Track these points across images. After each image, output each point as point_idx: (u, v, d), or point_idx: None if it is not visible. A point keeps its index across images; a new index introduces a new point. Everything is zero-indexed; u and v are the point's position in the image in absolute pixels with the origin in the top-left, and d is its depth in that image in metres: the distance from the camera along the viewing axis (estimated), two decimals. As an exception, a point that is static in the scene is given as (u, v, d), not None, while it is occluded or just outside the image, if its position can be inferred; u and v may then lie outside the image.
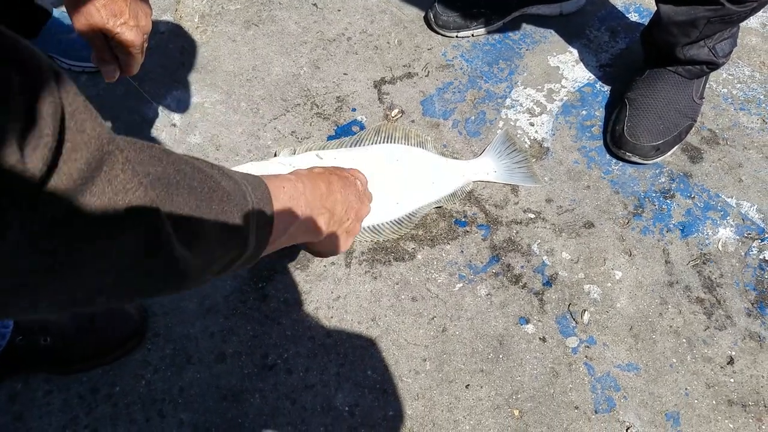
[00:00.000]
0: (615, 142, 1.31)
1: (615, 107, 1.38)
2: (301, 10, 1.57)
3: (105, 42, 0.76)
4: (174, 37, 1.49)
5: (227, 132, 1.34)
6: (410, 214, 1.19)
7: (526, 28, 1.55)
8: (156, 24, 1.51)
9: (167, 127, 1.33)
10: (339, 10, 1.57)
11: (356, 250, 1.16)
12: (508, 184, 1.27)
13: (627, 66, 1.47)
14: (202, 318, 1.07)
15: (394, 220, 1.17)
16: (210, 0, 1.57)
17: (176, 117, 1.36)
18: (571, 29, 1.56)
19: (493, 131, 1.37)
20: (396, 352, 1.05)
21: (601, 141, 1.35)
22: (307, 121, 1.37)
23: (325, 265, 1.14)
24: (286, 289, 1.11)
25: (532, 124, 1.38)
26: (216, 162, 1.27)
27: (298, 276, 1.13)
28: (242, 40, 1.50)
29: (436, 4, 1.55)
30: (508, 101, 1.43)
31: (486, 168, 1.27)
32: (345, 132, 1.35)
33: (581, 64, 1.50)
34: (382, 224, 1.17)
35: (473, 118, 1.39)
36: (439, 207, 1.22)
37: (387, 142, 1.29)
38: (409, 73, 1.47)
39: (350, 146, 1.28)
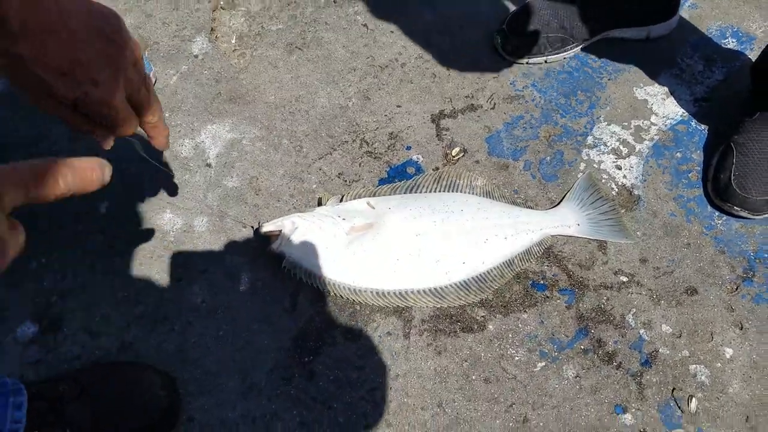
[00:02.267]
0: (720, 193, 1.19)
1: (717, 151, 1.25)
2: (350, 32, 1.49)
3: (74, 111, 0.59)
4: (210, 62, 1.43)
5: (267, 174, 1.26)
6: (479, 277, 1.08)
7: (608, 54, 1.45)
8: (189, 45, 1.45)
9: (201, 168, 1.26)
10: (392, 32, 1.49)
11: (415, 317, 1.06)
12: (593, 240, 1.16)
13: (725, 101, 1.36)
14: (243, 399, 0.98)
15: (460, 284, 1.07)
16: (249, 19, 1.51)
17: (212, 156, 1.28)
18: (659, 56, 1.45)
19: (573, 175, 1.26)
20: (467, 448, 0.94)
21: (701, 190, 1.23)
22: (356, 161, 1.28)
23: (380, 336, 1.04)
24: (336, 364, 1.01)
25: (619, 168, 1.27)
26: (255, 208, 1.18)
27: (349, 349, 1.03)
28: (285, 67, 1.43)
29: (504, 26, 1.46)
30: (589, 139, 1.32)
31: (567, 220, 1.16)
32: (399, 174, 1.26)
33: (672, 97, 1.39)
34: (447, 287, 1.07)
35: (549, 158, 1.28)
36: (513, 270, 1.12)
37: (449, 190, 1.19)
38: (472, 105, 1.38)
39: (404, 191, 1.19)
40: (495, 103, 1.36)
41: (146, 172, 1.23)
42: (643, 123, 1.33)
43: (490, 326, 1.04)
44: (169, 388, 0.91)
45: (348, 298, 1.04)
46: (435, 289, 1.06)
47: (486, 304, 1.07)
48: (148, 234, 1.17)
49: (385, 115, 1.34)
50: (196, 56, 1.44)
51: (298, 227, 1.06)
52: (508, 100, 1.37)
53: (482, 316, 1.05)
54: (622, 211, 1.19)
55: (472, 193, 1.18)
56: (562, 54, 1.44)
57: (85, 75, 0.55)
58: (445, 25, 1.50)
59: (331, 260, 1.06)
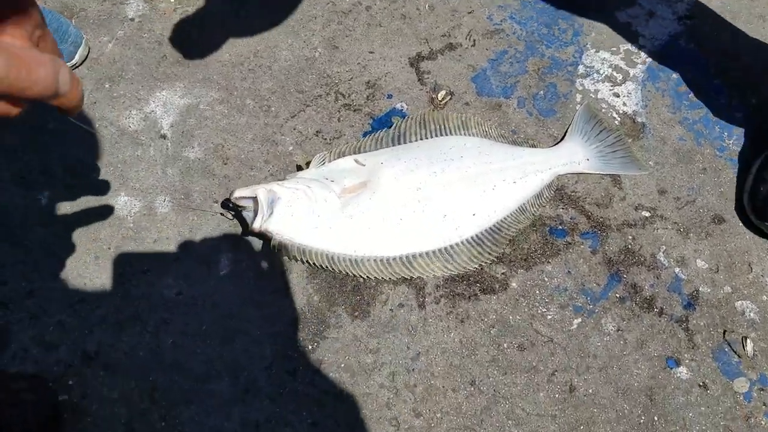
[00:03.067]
0: (759, 211, 0.90)
1: (760, 156, 0.95)
2: (304, -22, 1.23)
3: None
4: (149, 24, 1.15)
5: (234, 140, 1.00)
6: (493, 228, 0.87)
7: None
8: (123, 9, 1.16)
9: (155, 141, 1.00)
10: None
11: (428, 284, 0.84)
12: (606, 175, 0.96)
13: (713, 16, 1.17)
14: (240, 403, 0.75)
15: (474, 239, 0.86)
16: None
17: (165, 125, 1.02)
18: None
19: (571, 108, 1.05)
20: (515, 429, 0.74)
21: (704, 110, 1.05)
22: (334, 116, 1.04)
23: (391, 309, 0.83)
24: (345, 349, 0.79)
25: (616, 95, 1.07)
26: (225, 180, 0.93)
27: (358, 328, 0.81)
28: (235, 22, 1.16)
29: None
30: (581, 69, 1.11)
31: (575, 156, 0.96)
32: (383, 125, 1.03)
33: (656, 18, 1.19)
34: (459, 245, 0.85)
35: (542, 93, 1.07)
36: (527, 216, 0.91)
37: (439, 134, 0.97)
38: (451, 44, 1.15)
39: (390, 142, 0.96)
40: (475, 40, 1.14)
41: (92, 150, 0.96)
42: (632, 47, 1.13)
43: (513, 283, 0.84)
44: (41, 389, 0.68)
45: (350, 272, 0.81)
46: (447, 248, 0.85)
47: (504, 259, 0.86)
48: (101, 222, 0.91)
49: (358, 63, 1.10)
50: (132, 19, 1.16)
51: (280, 197, 0.82)
52: (487, 35, 1.14)
53: (502, 273, 0.85)
54: (629, 140, 1.00)
55: (467, 134, 0.96)
56: (535, -18, 1.21)
57: None
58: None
59: (327, 229, 0.83)
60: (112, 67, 1.11)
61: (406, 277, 0.84)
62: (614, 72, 1.12)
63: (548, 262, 0.88)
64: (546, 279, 0.87)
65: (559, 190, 0.96)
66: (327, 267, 0.84)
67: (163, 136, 1.02)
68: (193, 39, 1.13)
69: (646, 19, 1.19)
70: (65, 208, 0.93)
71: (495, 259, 0.88)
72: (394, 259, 0.85)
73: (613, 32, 1.17)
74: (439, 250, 0.86)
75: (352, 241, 0.85)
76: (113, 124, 1.03)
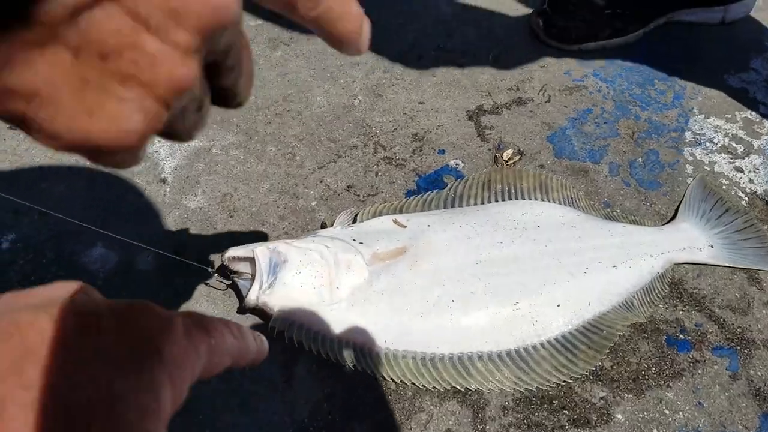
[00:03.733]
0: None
1: None
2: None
3: None
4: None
5: (246, 189, 0.78)
6: (586, 328, 0.60)
7: (678, 38, 1.03)
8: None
9: (153, 185, 0.78)
10: (400, 24, 1.05)
11: (491, 402, 0.56)
12: (737, 269, 0.68)
13: None
14: None
15: (558, 341, 0.58)
16: None
17: (168, 168, 0.80)
18: (741, 41, 1.03)
19: (680, 181, 0.80)
20: None
21: None
22: (371, 169, 0.81)
23: None
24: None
25: (739, 170, 0.81)
26: (229, 236, 0.68)
27: None
28: (267, 63, 0.98)
29: (546, 5, 1.03)
30: (688, 136, 0.87)
31: (695, 240, 0.69)
32: (432, 185, 0.79)
33: None
34: (535, 348, 0.58)
35: (641, 160, 0.82)
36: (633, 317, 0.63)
37: (508, 197, 0.72)
38: (520, 98, 0.93)
39: (443, 204, 0.71)
40: (550, 96, 0.92)
41: (74, 186, 0.75)
42: (751, 115, 0.89)
43: (618, 414, 0.55)
44: None
45: (377, 374, 0.55)
46: (520, 351, 0.57)
47: (602, 376, 0.58)
48: (67, 277, 0.66)
49: (405, 114, 0.88)
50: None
51: (286, 260, 0.57)
52: (566, 91, 0.92)
53: (602, 398, 0.56)
54: (764, 227, 0.72)
55: (549, 200, 0.71)
56: (622, 39, 1.01)
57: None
58: (467, 14, 1.07)
59: (348, 308, 0.57)
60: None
61: (459, 388, 0.57)
62: (732, 142, 0.87)
63: (668, 386, 0.60)
64: (667, 412, 0.58)
65: (676, 285, 0.68)
66: (345, 363, 0.57)
67: (163, 180, 0.80)
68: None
69: (766, 86, 0.96)
70: (28, 253, 0.70)
71: (590, 375, 0.60)
72: (443, 358, 0.58)
73: (725, 97, 0.94)
74: (509, 352, 0.59)
75: (383, 328, 0.58)
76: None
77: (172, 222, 0.73)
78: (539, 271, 0.63)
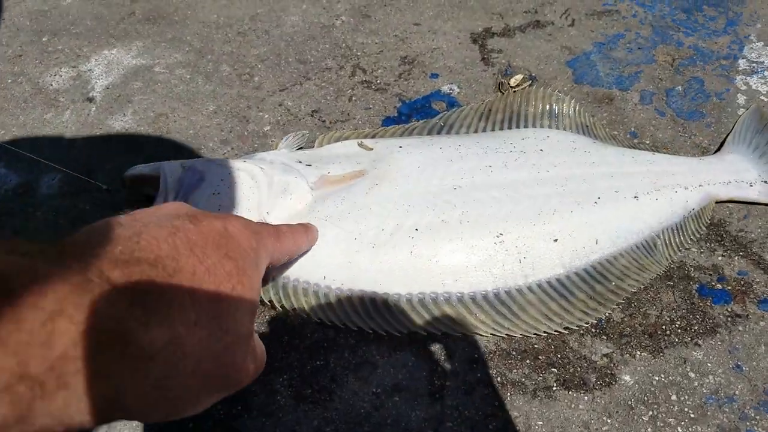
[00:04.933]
0: None
1: None
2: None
3: None
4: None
5: (186, 110, 0.71)
6: (591, 271, 0.50)
7: None
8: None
9: (76, 103, 0.72)
10: None
11: (457, 353, 0.47)
12: None
13: None
14: None
15: (552, 285, 0.49)
16: None
17: (98, 87, 0.74)
18: None
19: (729, 112, 0.70)
20: None
21: None
22: (344, 93, 0.73)
23: (377, 393, 0.45)
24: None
25: None
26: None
27: (306, 419, 0.44)
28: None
29: None
30: (742, 63, 0.77)
31: (745, 174, 0.59)
32: (418, 111, 0.70)
33: None
34: (521, 291, 0.49)
35: (681, 88, 0.72)
36: (657, 256, 0.54)
37: (509, 125, 0.63)
38: (537, 21, 0.84)
39: (428, 133, 0.62)
40: (574, 20, 0.83)
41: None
42: (824, 42, 0.78)
43: (626, 376, 0.45)
44: None
45: (314, 316, 0.47)
46: (502, 293, 0.47)
47: (608, 329, 0.49)
48: None
49: (395, 36, 0.81)
50: None
51: (204, 179, 0.50)
52: (594, 16, 0.83)
53: (605, 356, 0.47)
54: None
55: (557, 129, 0.61)
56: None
57: None
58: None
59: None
60: (61, 21, 0.87)
61: (420, 334, 0.48)
62: (799, 70, 0.76)
63: (696, 344, 0.49)
64: (692, 375, 0.48)
65: (717, 227, 0.58)
66: (273, 302, 0.49)
67: (90, 99, 0.74)
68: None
69: (844, 13, 0.84)
70: None
71: (591, 327, 0.50)
72: (398, 299, 0.49)
73: (791, 23, 0.83)
74: (486, 294, 0.50)
75: (321, 261, 0.50)
76: (31, 80, 0.76)
77: (90, 143, 0.66)
78: (535, 199, 0.54)
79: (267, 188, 0.52)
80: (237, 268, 0.33)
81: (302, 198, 0.53)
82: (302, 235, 0.47)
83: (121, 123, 0.70)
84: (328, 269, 0.49)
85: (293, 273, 0.49)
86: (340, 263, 0.50)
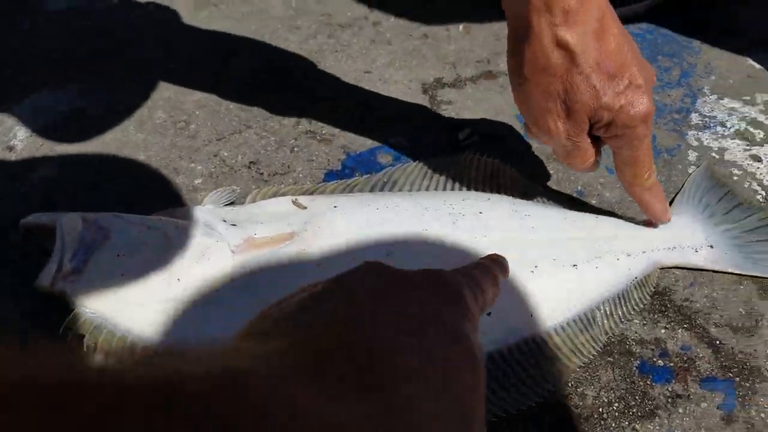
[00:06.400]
0: None
1: None
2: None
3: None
4: (70, 15, 0.90)
5: (113, 161, 0.67)
6: (524, 349, 0.47)
7: (691, 14, 0.92)
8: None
9: None
10: None
11: None
12: (745, 277, 0.55)
13: None
14: None
15: (486, 364, 0.45)
16: None
17: (22, 134, 0.70)
18: (765, 20, 0.92)
19: (679, 169, 0.68)
20: None
21: None
22: (286, 143, 0.70)
23: None
24: None
25: (757, 159, 0.70)
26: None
27: None
28: (187, 23, 0.89)
29: None
30: (694, 117, 0.75)
31: (691, 238, 0.57)
32: (363, 165, 0.68)
33: None
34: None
35: None
36: (593, 330, 0.51)
37: (451, 187, 0.61)
38: (489, 72, 0.82)
39: (371, 190, 0.60)
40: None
41: None
42: (776, 97, 0.77)
43: None
44: None
45: None
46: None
47: (539, 411, 0.45)
48: None
49: (345, 84, 0.78)
50: (48, 12, 0.90)
51: (110, 237, 0.46)
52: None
53: None
54: None
55: (500, 193, 0.59)
56: (621, 11, 0.90)
57: (634, 80, 0.46)
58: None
59: (188, 308, 0.44)
60: (25, 53, 0.83)
61: None
62: (750, 127, 0.75)
63: (634, 429, 0.46)
64: None
65: (661, 295, 0.56)
66: None
67: (10, 148, 0.70)
68: (124, 34, 0.85)
69: (795, 67, 0.84)
70: None
71: (528, 411, 0.47)
72: None
73: (744, 78, 0.83)
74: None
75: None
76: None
77: (5, 202, 0.62)
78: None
79: (180, 251, 0.48)
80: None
81: (220, 264, 0.49)
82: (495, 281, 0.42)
83: (40, 174, 0.66)
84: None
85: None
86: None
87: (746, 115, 0.76)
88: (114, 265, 0.46)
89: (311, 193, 0.61)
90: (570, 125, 0.48)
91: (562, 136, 0.49)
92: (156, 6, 0.91)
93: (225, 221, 0.53)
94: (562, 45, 0.44)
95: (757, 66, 0.84)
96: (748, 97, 0.79)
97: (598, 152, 0.52)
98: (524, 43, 0.46)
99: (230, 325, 0.45)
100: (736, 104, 0.78)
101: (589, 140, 0.50)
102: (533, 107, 0.49)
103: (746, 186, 0.67)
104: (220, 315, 0.47)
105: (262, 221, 0.54)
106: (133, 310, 0.46)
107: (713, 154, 0.70)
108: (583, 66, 0.45)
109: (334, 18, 0.92)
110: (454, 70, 0.83)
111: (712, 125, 0.74)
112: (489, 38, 0.87)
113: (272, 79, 0.79)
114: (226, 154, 0.68)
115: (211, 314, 0.47)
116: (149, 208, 0.60)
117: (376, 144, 0.72)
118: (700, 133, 0.73)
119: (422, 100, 0.78)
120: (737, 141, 0.72)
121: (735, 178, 0.68)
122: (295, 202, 0.58)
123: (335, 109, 0.75)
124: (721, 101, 0.78)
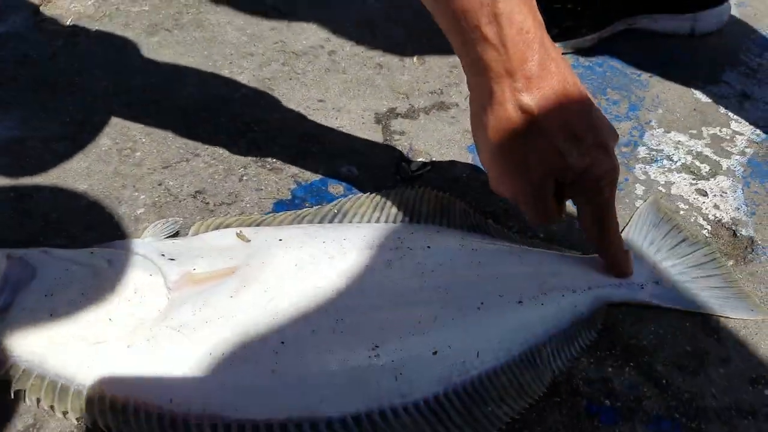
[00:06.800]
0: None
1: None
2: (250, 15, 0.96)
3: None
4: (16, 42, 0.86)
5: (54, 190, 0.64)
6: (471, 388, 0.46)
7: (640, 47, 0.94)
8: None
9: None
10: (316, 18, 0.96)
11: None
12: (690, 314, 0.56)
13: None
14: None
15: (429, 406, 0.45)
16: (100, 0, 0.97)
17: None
18: (713, 53, 0.95)
19: (626, 203, 0.69)
20: None
21: None
22: (234, 172, 0.68)
23: None
24: None
25: (703, 193, 0.70)
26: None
27: None
28: (137, 49, 0.86)
29: None
30: (642, 151, 0.76)
31: (636, 275, 0.57)
32: (313, 195, 0.66)
33: (753, 100, 0.86)
34: (397, 413, 0.44)
35: None
36: (540, 369, 0.50)
37: (400, 220, 0.59)
38: (442, 103, 0.82)
39: (319, 221, 0.58)
40: (478, 101, 0.80)
41: None
42: (722, 131, 0.79)
43: None
44: None
45: None
46: (374, 416, 0.43)
47: None
48: None
49: (297, 112, 0.77)
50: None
51: (36, 275, 0.43)
52: (498, 97, 0.81)
53: None
54: (729, 263, 0.60)
55: (447, 227, 0.58)
56: (572, 43, 0.92)
57: (598, 140, 0.47)
58: (398, 13, 0.98)
59: (123, 350, 0.42)
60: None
61: None
62: (696, 161, 0.76)
63: None
64: None
65: (608, 333, 0.55)
66: (112, 429, 0.42)
67: (-56, 175, 0.66)
68: (67, 65, 0.83)
69: (739, 102, 0.86)
70: None
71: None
72: (258, 428, 0.43)
73: (690, 111, 0.84)
74: (359, 417, 0.44)
75: (170, 382, 0.44)
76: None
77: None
78: (416, 305, 0.50)
79: (111, 289, 0.46)
80: None
81: (156, 301, 0.47)
82: None
83: (-23, 203, 0.62)
84: (175, 392, 0.43)
85: (133, 392, 0.43)
86: (191, 384, 0.43)
87: (692, 148, 0.77)
88: (41, 305, 0.44)
89: (258, 224, 0.59)
90: (535, 187, 0.48)
91: (528, 196, 0.49)
92: (105, 33, 0.88)
93: (163, 255, 0.50)
94: (525, 110, 0.45)
95: (703, 99, 0.86)
96: (694, 131, 0.80)
97: (563, 209, 0.52)
98: (487, 108, 0.46)
99: (157, 367, 0.43)
100: (683, 137, 0.79)
101: (553, 199, 0.50)
102: (498, 169, 0.49)
103: (692, 220, 0.67)
104: (148, 355, 0.44)
105: (203, 255, 0.52)
106: (62, 352, 0.43)
107: (660, 188, 0.71)
108: (546, 129, 0.45)
109: (289, 45, 0.90)
110: (407, 99, 0.82)
111: (659, 159, 0.75)
112: (443, 69, 0.88)
113: (223, 107, 0.77)
114: (171, 182, 0.66)
115: (148, 356, 0.44)
116: (89, 240, 0.58)
117: (327, 173, 0.70)
118: (647, 166, 0.74)
119: (375, 129, 0.77)
120: (684, 175, 0.73)
121: (681, 212, 0.68)
122: (239, 235, 0.56)
123: (286, 138, 0.73)
124: (668, 134, 0.79)
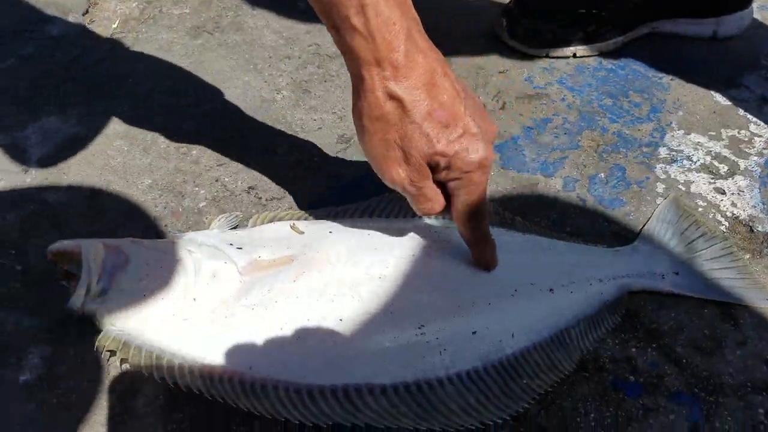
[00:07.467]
0: None
1: None
2: (286, 18, 1.03)
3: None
4: (66, 45, 0.94)
5: (122, 183, 0.72)
6: (506, 365, 0.53)
7: (663, 50, 1.00)
8: (46, 26, 0.97)
9: (12, 174, 0.72)
10: None
11: None
12: (708, 301, 0.62)
13: None
14: None
15: (470, 377, 0.52)
16: (144, 2, 1.04)
17: (34, 157, 0.75)
18: (735, 57, 1.00)
19: (648, 200, 0.75)
20: None
21: None
22: (281, 171, 0.75)
23: None
24: None
25: (721, 192, 0.77)
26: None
27: None
28: (182, 51, 0.94)
29: (513, 6, 1.00)
30: (662, 151, 0.82)
31: (657, 265, 0.64)
32: (352, 192, 0.73)
33: None
34: (441, 383, 0.51)
35: (603, 175, 0.77)
36: (568, 349, 0.57)
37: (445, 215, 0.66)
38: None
39: (357, 216, 0.65)
40: (505, 102, 0.88)
41: None
42: (740, 133, 0.85)
43: None
44: None
45: (241, 406, 0.47)
46: (422, 385, 0.50)
47: (523, 421, 0.51)
48: None
49: (334, 113, 0.84)
50: (51, 38, 0.94)
51: (129, 261, 0.51)
52: (524, 99, 0.89)
53: None
54: (746, 256, 0.67)
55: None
56: (597, 46, 0.98)
57: (468, 129, 0.51)
58: (424, 16, 1.04)
59: (206, 324, 0.50)
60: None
61: (344, 421, 0.49)
62: (715, 161, 0.82)
63: None
64: None
65: (631, 318, 0.62)
66: (201, 391, 0.50)
67: (25, 170, 0.74)
68: (118, 66, 0.90)
69: (759, 105, 0.92)
70: None
71: (507, 421, 0.52)
72: (323, 391, 0.50)
73: (710, 113, 0.90)
74: (408, 385, 0.52)
75: (249, 351, 0.51)
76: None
77: (17, 218, 0.67)
78: (456, 292, 0.56)
79: (194, 274, 0.53)
80: None
81: (231, 284, 0.54)
82: None
83: (56, 196, 0.70)
84: (254, 360, 0.50)
85: (217, 360, 0.50)
86: (266, 353, 0.51)
87: (711, 149, 0.83)
88: (135, 287, 0.51)
89: (307, 218, 0.66)
90: (411, 171, 0.51)
91: (405, 181, 0.52)
92: (150, 36, 0.96)
93: (231, 245, 0.58)
94: (394, 97, 0.48)
95: (723, 102, 0.92)
96: (713, 133, 0.86)
97: (447, 199, 0.54)
98: (361, 94, 0.50)
99: (237, 338, 0.50)
100: (702, 139, 0.85)
101: (434, 186, 0.53)
102: (376, 155, 0.52)
103: (710, 217, 0.73)
104: (229, 329, 0.52)
105: (264, 245, 0.59)
106: (155, 327, 0.51)
107: (680, 187, 0.77)
108: (414, 116, 0.49)
109: (323, 48, 0.97)
110: (439, 101, 0.89)
111: (679, 159, 0.81)
112: (471, 69, 0.94)
113: (264, 108, 0.84)
114: (227, 179, 0.74)
115: (226, 330, 0.52)
116: (161, 230, 0.65)
117: (364, 172, 0.77)
118: (667, 166, 0.80)
119: (410, 130, 0.83)
120: (703, 174, 0.79)
121: (700, 209, 0.74)
122: (293, 227, 0.63)
123: (326, 138, 0.80)
124: (688, 136, 0.85)
